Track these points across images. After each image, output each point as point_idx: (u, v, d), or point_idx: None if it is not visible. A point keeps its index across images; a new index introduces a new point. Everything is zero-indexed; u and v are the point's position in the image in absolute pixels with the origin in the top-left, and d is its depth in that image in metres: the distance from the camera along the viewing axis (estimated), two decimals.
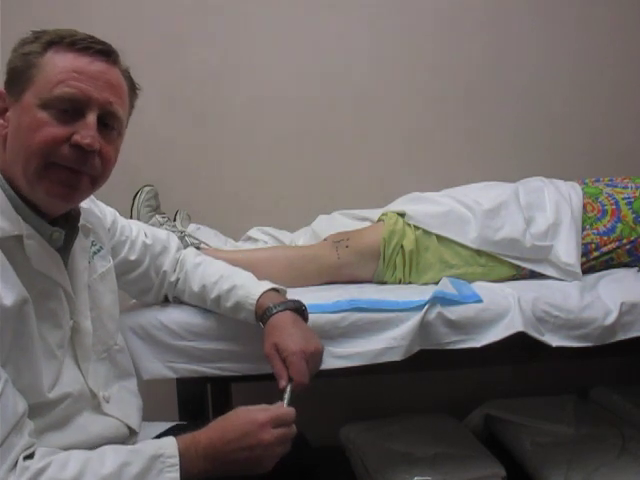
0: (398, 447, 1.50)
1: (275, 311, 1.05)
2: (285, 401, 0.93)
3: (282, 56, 1.81)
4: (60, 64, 0.80)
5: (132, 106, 0.92)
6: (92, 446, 0.81)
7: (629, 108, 1.94)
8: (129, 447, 0.82)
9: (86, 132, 0.80)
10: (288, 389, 0.94)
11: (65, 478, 0.71)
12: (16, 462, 0.70)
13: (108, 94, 0.83)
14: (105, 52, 0.84)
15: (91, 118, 0.81)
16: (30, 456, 0.73)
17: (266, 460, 0.84)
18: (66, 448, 0.78)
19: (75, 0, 1.71)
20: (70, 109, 0.80)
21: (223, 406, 1.45)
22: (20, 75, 0.81)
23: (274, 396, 0.94)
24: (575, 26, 1.90)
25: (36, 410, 0.79)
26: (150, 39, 1.75)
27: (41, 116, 0.79)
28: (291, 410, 0.88)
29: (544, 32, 1.89)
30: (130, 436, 0.97)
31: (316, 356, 1.02)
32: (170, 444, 0.80)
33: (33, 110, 0.79)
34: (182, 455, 0.79)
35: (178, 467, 0.78)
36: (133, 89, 0.91)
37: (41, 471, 0.71)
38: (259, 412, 0.85)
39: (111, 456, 0.76)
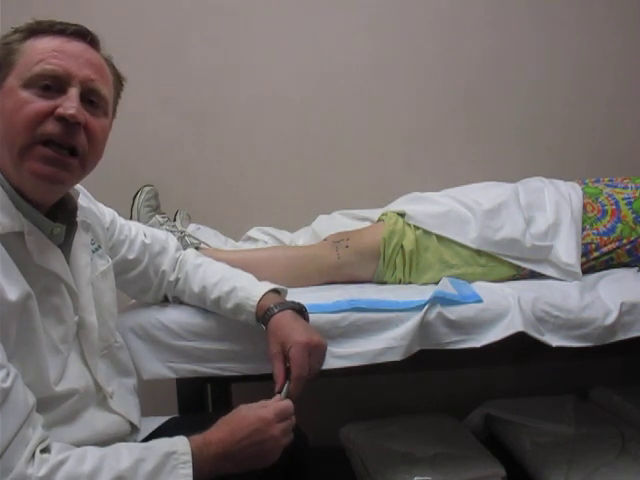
0: (398, 447, 1.50)
1: (276, 310, 1.06)
2: (282, 394, 0.95)
3: (282, 56, 1.81)
4: (39, 46, 0.81)
5: (118, 95, 0.92)
6: (97, 442, 0.82)
7: (629, 108, 1.94)
8: (142, 444, 0.83)
9: (69, 104, 0.79)
10: (286, 383, 0.96)
11: (83, 472, 0.72)
12: (32, 455, 0.71)
13: (89, 71, 0.83)
14: (81, 33, 0.84)
15: (73, 92, 0.81)
16: (46, 449, 0.73)
17: (273, 453, 0.87)
18: (74, 444, 0.78)
19: (75, 0, 1.71)
20: (52, 86, 0.80)
21: (223, 406, 1.45)
22: (2, 63, 0.81)
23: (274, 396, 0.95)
24: (575, 26, 1.90)
25: (44, 405, 0.79)
26: (150, 39, 1.75)
27: (23, 95, 0.79)
28: (290, 403, 0.91)
29: (544, 32, 1.89)
30: (132, 433, 0.99)
31: (319, 350, 1.03)
32: (182, 442, 0.81)
33: (15, 91, 0.79)
34: (194, 454, 0.80)
35: (191, 464, 0.79)
36: (118, 77, 0.91)
37: (60, 464, 0.72)
38: (263, 409, 0.87)
39: (126, 452, 0.78)
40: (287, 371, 1.00)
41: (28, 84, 0.79)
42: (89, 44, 0.85)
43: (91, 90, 0.83)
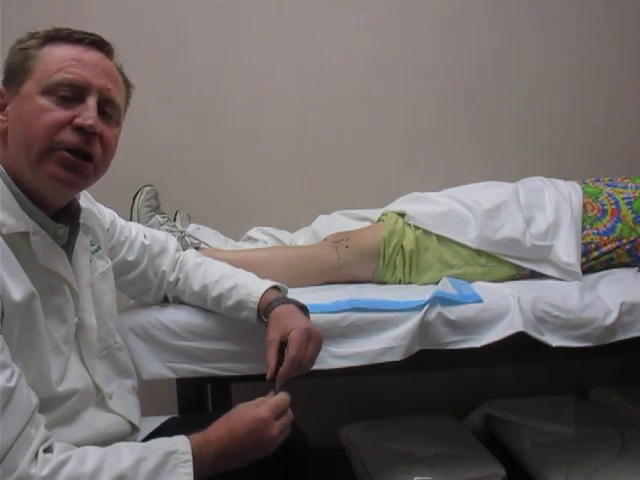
0: (398, 447, 1.50)
1: (278, 303, 1.06)
2: (276, 388, 0.94)
3: (282, 56, 1.81)
4: (58, 54, 0.83)
5: (127, 102, 0.94)
6: (98, 442, 0.82)
7: (629, 108, 1.94)
8: (142, 444, 0.83)
9: (87, 114, 0.81)
10: (278, 384, 0.96)
11: (85, 471, 0.73)
12: (36, 454, 0.71)
13: (106, 81, 0.85)
14: (99, 43, 0.86)
15: (91, 101, 0.82)
16: (48, 449, 0.74)
17: (269, 448, 0.87)
18: (74, 444, 0.79)
19: (75, 0, 1.71)
20: (70, 95, 0.81)
21: (223, 406, 1.45)
22: (18, 68, 0.82)
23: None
24: (575, 26, 1.90)
25: (46, 405, 0.80)
26: (150, 39, 1.76)
27: (42, 102, 0.80)
28: (285, 397, 0.91)
29: (544, 32, 1.89)
30: (132, 433, 0.99)
31: (318, 340, 1.02)
32: (183, 441, 0.82)
33: (34, 98, 0.80)
34: (194, 453, 0.80)
35: (191, 463, 0.79)
36: (127, 86, 0.93)
37: (62, 464, 0.72)
38: (260, 407, 0.87)
39: (127, 452, 0.78)
40: (281, 360, 0.98)
41: (47, 91, 0.80)
42: (105, 54, 0.87)
43: (107, 99, 0.85)
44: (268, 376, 0.97)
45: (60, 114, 0.80)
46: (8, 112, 0.82)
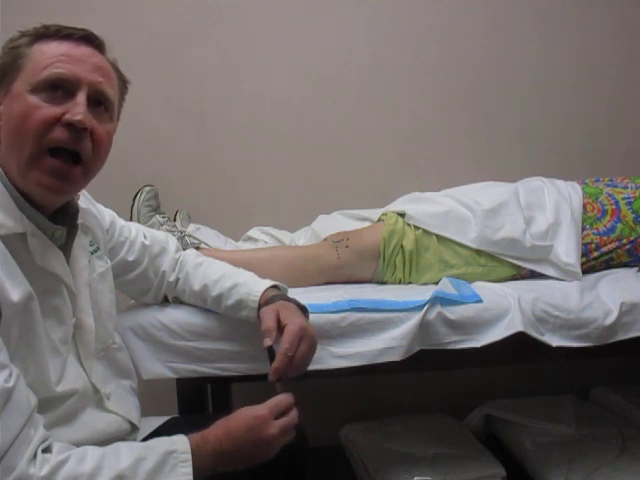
0: (398, 447, 1.50)
1: (278, 299, 1.06)
2: (277, 389, 0.94)
3: (282, 56, 1.81)
4: (47, 50, 0.82)
5: (123, 98, 0.93)
6: (97, 442, 0.82)
7: (630, 108, 1.94)
8: (141, 443, 0.83)
9: (77, 110, 0.80)
10: (278, 385, 0.95)
11: (84, 471, 0.73)
12: (34, 454, 0.71)
13: (96, 75, 0.84)
14: (89, 37, 0.85)
15: (81, 97, 0.81)
16: (47, 449, 0.74)
17: (270, 451, 0.87)
18: (74, 444, 0.79)
19: (75, 0, 1.71)
20: (59, 91, 0.80)
21: (223, 406, 1.45)
22: (9, 67, 0.82)
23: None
24: (576, 26, 1.90)
25: (45, 405, 0.80)
26: (150, 39, 1.75)
27: (31, 100, 0.79)
28: (287, 396, 0.90)
29: (545, 32, 1.89)
30: (131, 432, 0.99)
31: (311, 341, 1.01)
32: (182, 441, 0.82)
33: (23, 96, 0.80)
34: (193, 452, 0.80)
35: (191, 462, 0.79)
36: (123, 81, 0.92)
37: (61, 464, 0.72)
38: (259, 406, 0.87)
39: (126, 451, 0.78)
40: (272, 356, 0.98)
41: (36, 89, 0.80)
42: (96, 48, 0.86)
43: (98, 92, 0.84)
44: (269, 343, 0.97)
45: (49, 111, 0.79)
46: (1, 112, 0.81)
